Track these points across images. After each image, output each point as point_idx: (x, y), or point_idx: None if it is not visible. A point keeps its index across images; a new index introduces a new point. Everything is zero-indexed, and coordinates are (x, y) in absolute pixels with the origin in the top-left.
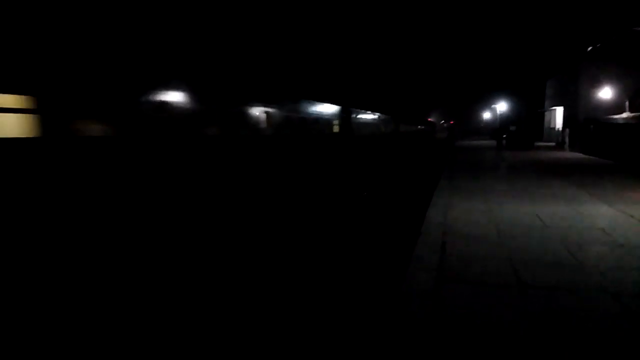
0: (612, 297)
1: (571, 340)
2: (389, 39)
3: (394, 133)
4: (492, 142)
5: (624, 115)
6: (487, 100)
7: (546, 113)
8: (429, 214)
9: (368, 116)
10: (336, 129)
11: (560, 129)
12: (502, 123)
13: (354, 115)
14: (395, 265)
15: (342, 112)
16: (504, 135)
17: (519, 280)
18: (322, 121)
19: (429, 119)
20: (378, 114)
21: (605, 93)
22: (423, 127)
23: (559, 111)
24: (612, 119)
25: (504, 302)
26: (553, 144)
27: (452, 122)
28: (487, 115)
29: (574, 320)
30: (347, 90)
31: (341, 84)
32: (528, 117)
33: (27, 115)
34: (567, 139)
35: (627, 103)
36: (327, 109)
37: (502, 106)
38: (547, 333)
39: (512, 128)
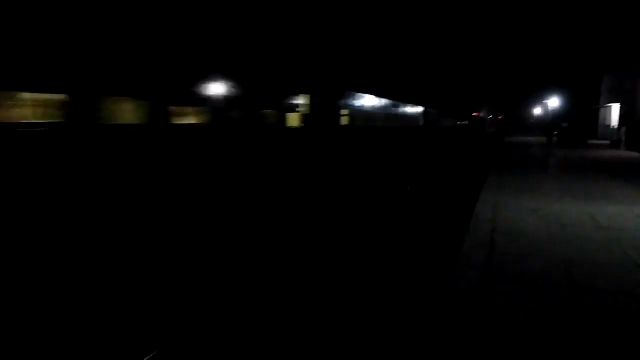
0: None
1: (624, 345)
2: (441, 36)
3: (445, 127)
4: (543, 139)
5: None
6: (538, 96)
7: (601, 110)
8: (477, 211)
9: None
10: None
11: (616, 126)
12: (553, 119)
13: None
14: (443, 262)
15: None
16: (556, 132)
17: (571, 282)
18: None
19: (476, 114)
20: (433, 109)
21: None
22: (472, 121)
23: (615, 108)
24: None
25: (553, 304)
26: (608, 142)
27: (500, 117)
28: (537, 111)
29: (628, 323)
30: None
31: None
32: (581, 113)
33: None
34: (623, 138)
35: None
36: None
37: (554, 102)
38: (593, 337)
39: (565, 125)
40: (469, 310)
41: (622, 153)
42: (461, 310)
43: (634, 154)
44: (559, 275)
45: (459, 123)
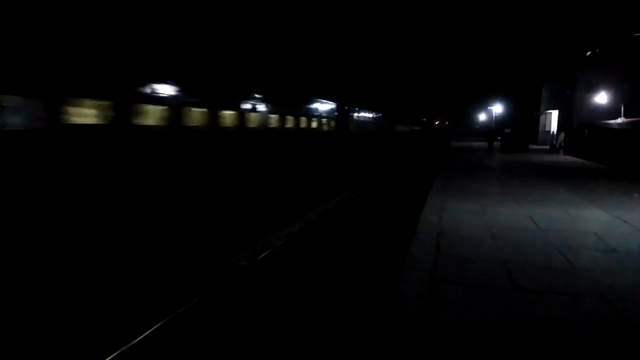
0: (604, 300)
1: (558, 341)
2: (391, 43)
3: (392, 132)
4: (487, 144)
5: (619, 120)
6: (483, 102)
7: (541, 116)
8: (424, 214)
9: (370, 115)
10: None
11: (555, 132)
12: (496, 125)
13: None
14: (391, 265)
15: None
16: (499, 138)
17: (512, 283)
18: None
19: (425, 119)
20: (380, 113)
21: (601, 98)
22: (420, 127)
23: (554, 115)
24: (607, 124)
25: (495, 304)
26: (547, 147)
27: (447, 122)
28: (482, 116)
29: (563, 321)
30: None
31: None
32: (523, 119)
33: None
34: (561, 143)
35: (622, 108)
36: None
37: (497, 108)
38: (536, 334)
39: (507, 130)
40: (415, 313)
41: (561, 157)
42: (407, 313)
43: (571, 158)
44: (501, 276)
45: (414, 129)
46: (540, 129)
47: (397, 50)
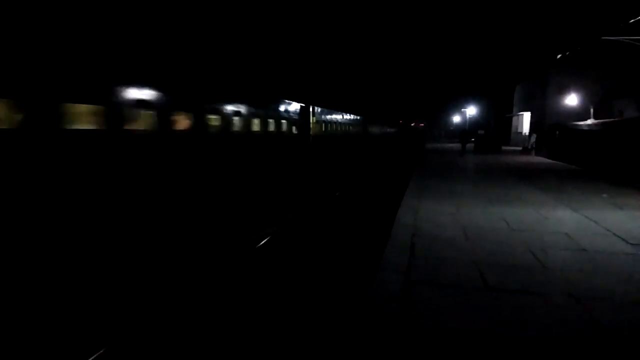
0: (574, 299)
1: (528, 340)
2: (367, 44)
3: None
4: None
5: (589, 122)
6: (457, 104)
7: (514, 118)
8: (399, 216)
9: (345, 117)
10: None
11: (527, 133)
12: (470, 127)
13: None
14: (366, 266)
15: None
16: (472, 139)
17: (485, 283)
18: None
19: (401, 121)
20: (354, 115)
21: (572, 100)
22: (397, 129)
23: (526, 116)
24: (577, 125)
25: (467, 305)
26: (519, 148)
27: (422, 124)
28: (457, 118)
29: (533, 321)
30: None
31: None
32: (496, 121)
33: None
34: (533, 144)
35: (592, 110)
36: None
37: (471, 110)
38: (506, 333)
39: (481, 132)
40: (388, 313)
41: (532, 158)
42: (381, 313)
43: (543, 159)
44: (474, 277)
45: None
46: (513, 130)
47: (373, 52)
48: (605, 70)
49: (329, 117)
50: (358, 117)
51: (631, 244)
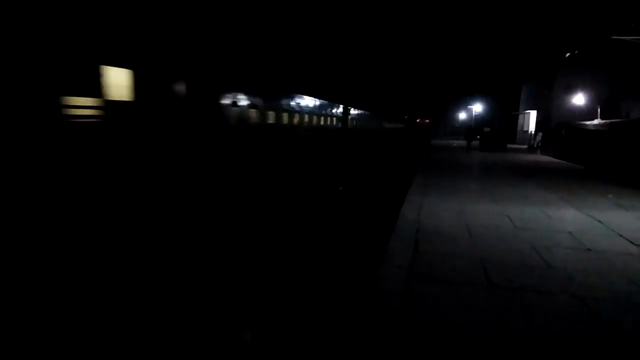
0: (577, 299)
1: (532, 338)
2: (375, 42)
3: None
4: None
5: (595, 121)
6: (463, 101)
7: (520, 116)
8: (403, 211)
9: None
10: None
11: (533, 132)
12: (476, 124)
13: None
14: (370, 261)
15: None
16: (478, 137)
17: (488, 280)
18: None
19: (407, 117)
20: (371, 112)
21: (579, 99)
22: (404, 125)
23: (533, 115)
24: (584, 124)
25: (471, 301)
26: (525, 146)
27: (427, 120)
28: (462, 115)
29: (536, 319)
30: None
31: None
32: (502, 119)
33: None
34: (539, 143)
35: (598, 110)
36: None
37: (477, 107)
38: (510, 331)
39: (486, 129)
40: (391, 308)
41: (538, 157)
42: (384, 308)
43: (548, 158)
44: (478, 274)
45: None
46: (519, 128)
47: (380, 48)
48: (613, 71)
49: (355, 113)
50: (370, 113)
51: (636, 245)
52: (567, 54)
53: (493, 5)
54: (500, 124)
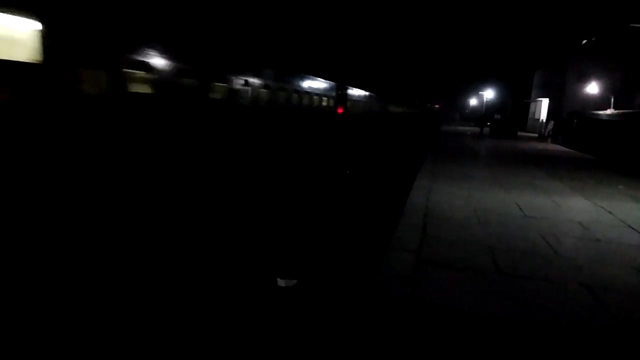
0: (585, 288)
1: (538, 326)
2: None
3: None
4: (477, 129)
5: (608, 111)
6: (474, 87)
7: (531, 104)
8: (411, 196)
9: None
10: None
11: (544, 120)
12: (487, 110)
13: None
14: (378, 244)
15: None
16: (488, 123)
17: (496, 267)
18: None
19: (416, 101)
20: (375, 94)
21: (592, 88)
22: (414, 110)
23: (544, 103)
24: (596, 114)
25: (478, 287)
26: (536, 134)
27: (437, 105)
28: (473, 101)
29: (544, 307)
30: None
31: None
32: (513, 106)
33: None
34: (550, 131)
35: (612, 100)
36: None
37: (489, 93)
38: (516, 318)
39: (497, 116)
40: (398, 291)
41: (549, 146)
42: (391, 292)
43: (559, 147)
44: (485, 260)
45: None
46: (530, 116)
47: (391, 33)
48: (629, 61)
49: (354, 93)
50: (379, 97)
51: None
52: (584, 41)
53: None
54: (512, 111)
